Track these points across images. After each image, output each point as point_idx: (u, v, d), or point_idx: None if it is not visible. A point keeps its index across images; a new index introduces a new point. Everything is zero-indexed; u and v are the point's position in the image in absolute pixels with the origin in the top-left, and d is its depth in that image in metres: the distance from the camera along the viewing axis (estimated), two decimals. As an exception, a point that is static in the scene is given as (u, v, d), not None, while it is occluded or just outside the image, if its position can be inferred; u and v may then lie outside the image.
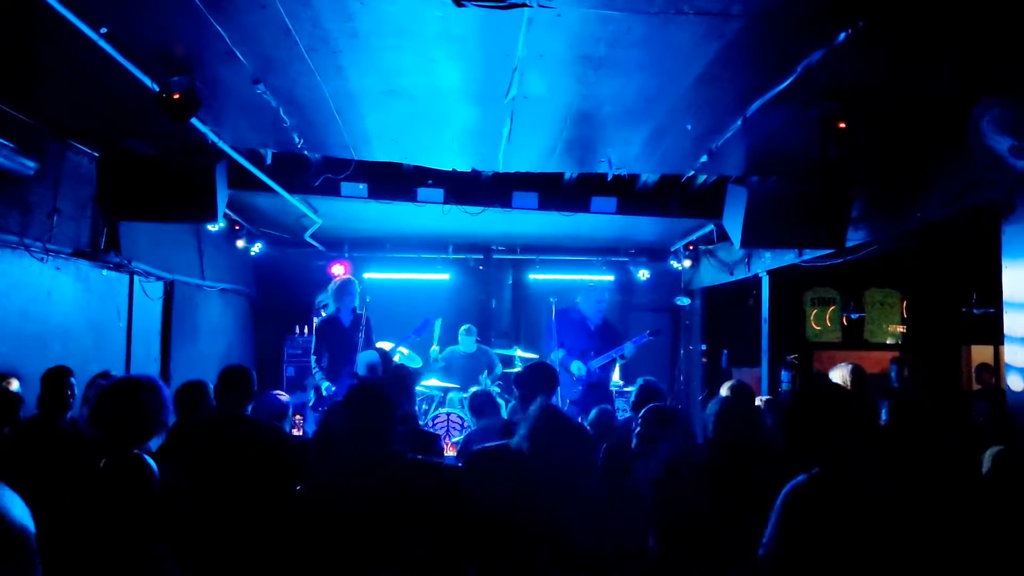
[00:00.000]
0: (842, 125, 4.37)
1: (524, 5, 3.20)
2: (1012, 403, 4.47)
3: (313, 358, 7.40)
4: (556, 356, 7.57)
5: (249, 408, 4.27)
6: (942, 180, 5.05)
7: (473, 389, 8.44)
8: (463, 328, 9.24)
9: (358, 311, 7.53)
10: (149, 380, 3.24)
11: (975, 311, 8.34)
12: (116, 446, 2.79)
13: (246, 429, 4.06)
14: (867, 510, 2.61)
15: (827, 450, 2.74)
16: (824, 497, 2.65)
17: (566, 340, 7.67)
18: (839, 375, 5.18)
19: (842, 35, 3.43)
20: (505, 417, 5.60)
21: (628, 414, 7.51)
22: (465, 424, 7.69)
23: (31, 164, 4.97)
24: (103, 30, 3.60)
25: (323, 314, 7.88)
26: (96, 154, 5.65)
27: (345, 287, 7.56)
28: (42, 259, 5.42)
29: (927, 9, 3.24)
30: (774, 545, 2.65)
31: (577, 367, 7.55)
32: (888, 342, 11.01)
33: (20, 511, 1.22)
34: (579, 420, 5.74)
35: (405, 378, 4.92)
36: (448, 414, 8.06)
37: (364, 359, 5.21)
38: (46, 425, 4.30)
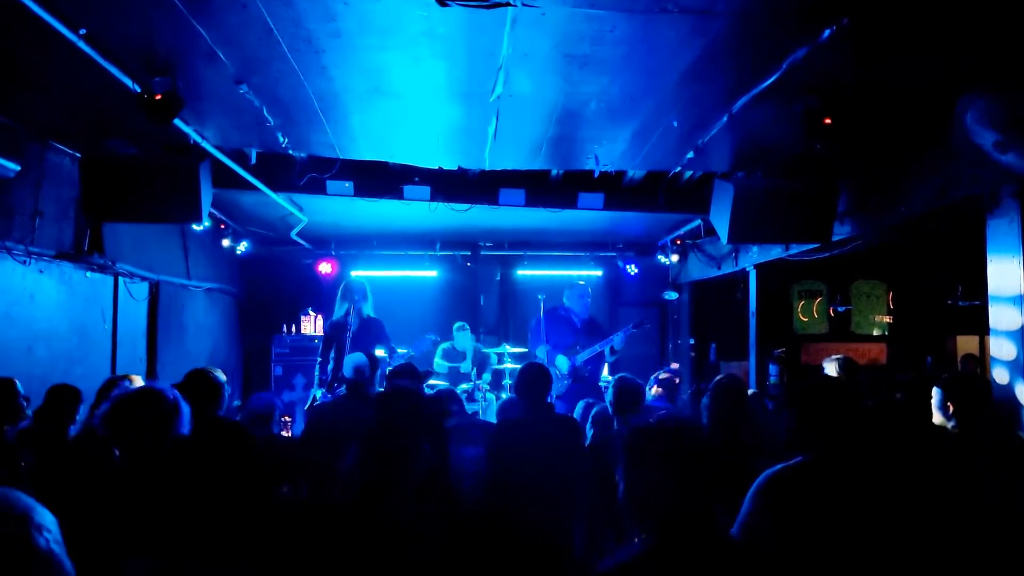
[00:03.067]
0: (827, 121, 4.38)
1: (508, 4, 3.18)
2: (998, 396, 4.50)
3: (318, 361, 7.11)
4: (541, 352, 7.58)
5: (223, 408, 4.21)
6: (927, 174, 5.07)
7: (463, 387, 8.47)
8: (457, 325, 9.19)
9: (367, 315, 7.19)
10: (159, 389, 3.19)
11: (961, 303, 8.37)
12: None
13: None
14: (860, 499, 2.54)
15: (823, 439, 2.67)
16: (811, 484, 2.59)
17: (552, 337, 7.68)
18: (832, 368, 5.22)
19: (827, 32, 3.43)
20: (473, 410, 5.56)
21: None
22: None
23: (11, 166, 4.90)
24: (82, 31, 3.56)
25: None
26: (78, 155, 5.59)
27: (348, 289, 7.21)
28: (25, 262, 5.36)
29: (912, 5, 3.25)
30: (750, 525, 2.59)
31: (561, 361, 7.56)
32: (875, 333, 11.07)
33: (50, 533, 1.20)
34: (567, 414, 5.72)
35: (413, 374, 4.92)
36: (437, 412, 8.04)
37: (352, 361, 5.18)
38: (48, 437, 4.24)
